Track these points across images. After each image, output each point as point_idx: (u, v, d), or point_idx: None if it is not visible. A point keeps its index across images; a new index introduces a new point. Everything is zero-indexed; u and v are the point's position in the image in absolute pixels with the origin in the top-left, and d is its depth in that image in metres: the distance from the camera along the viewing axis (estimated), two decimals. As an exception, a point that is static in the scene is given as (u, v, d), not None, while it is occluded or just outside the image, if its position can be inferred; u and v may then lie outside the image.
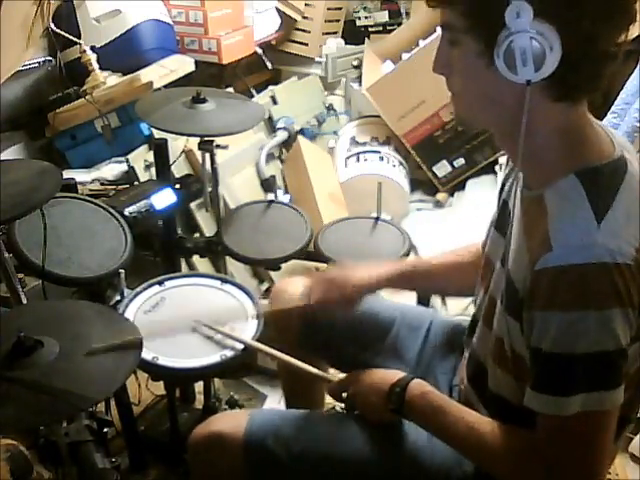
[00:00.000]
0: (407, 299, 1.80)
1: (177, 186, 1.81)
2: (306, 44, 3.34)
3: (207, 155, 1.79)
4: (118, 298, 1.49)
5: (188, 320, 1.33)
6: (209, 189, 1.88)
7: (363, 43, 3.44)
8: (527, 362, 0.91)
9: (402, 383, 1.07)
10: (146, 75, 2.22)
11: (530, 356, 0.89)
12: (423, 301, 1.72)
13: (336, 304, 1.25)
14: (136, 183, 2.08)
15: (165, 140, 1.81)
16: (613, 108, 2.62)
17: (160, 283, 1.50)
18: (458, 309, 2.01)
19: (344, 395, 1.16)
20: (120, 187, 2.07)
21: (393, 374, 1.10)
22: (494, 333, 1.00)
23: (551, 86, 0.85)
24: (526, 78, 0.83)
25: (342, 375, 1.21)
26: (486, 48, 0.84)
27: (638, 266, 0.82)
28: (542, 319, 0.85)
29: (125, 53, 2.37)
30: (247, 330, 1.38)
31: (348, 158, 2.85)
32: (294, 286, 1.41)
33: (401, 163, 2.91)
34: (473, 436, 0.98)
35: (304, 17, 3.29)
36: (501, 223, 1.05)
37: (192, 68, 2.46)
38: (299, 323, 1.35)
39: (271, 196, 2.02)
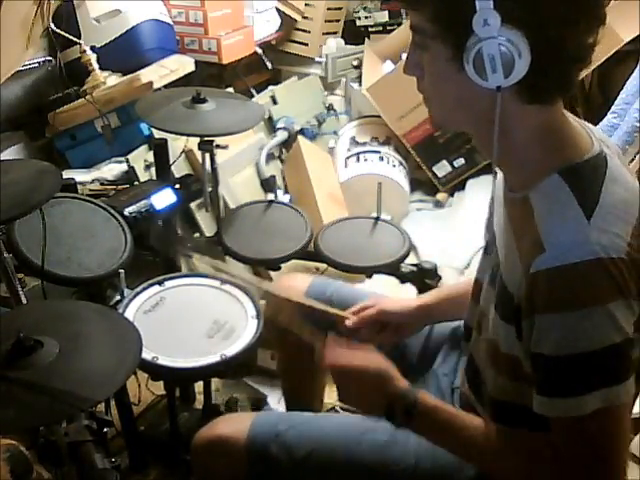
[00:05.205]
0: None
1: (177, 186, 1.80)
2: (306, 44, 3.34)
3: (207, 155, 1.79)
4: (118, 298, 1.50)
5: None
6: (209, 189, 1.88)
7: (363, 43, 3.44)
8: (523, 363, 0.90)
9: (408, 401, 0.98)
10: (146, 75, 2.22)
11: (533, 361, 0.87)
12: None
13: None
14: (136, 183, 2.08)
15: (165, 140, 1.81)
16: (613, 108, 2.62)
17: (160, 283, 1.51)
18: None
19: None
20: (120, 187, 2.07)
21: (385, 385, 0.99)
22: (487, 337, 0.99)
23: (522, 90, 0.85)
24: (496, 84, 0.82)
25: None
26: (455, 54, 0.83)
27: (631, 260, 0.82)
28: (544, 322, 0.84)
29: (125, 53, 2.37)
30: (247, 330, 1.38)
31: (348, 158, 2.85)
32: (295, 282, 1.41)
33: (401, 163, 2.90)
34: (464, 438, 0.97)
35: (304, 17, 3.28)
36: (489, 244, 1.04)
37: (192, 68, 2.46)
38: (300, 321, 1.35)
39: (271, 196, 2.02)
